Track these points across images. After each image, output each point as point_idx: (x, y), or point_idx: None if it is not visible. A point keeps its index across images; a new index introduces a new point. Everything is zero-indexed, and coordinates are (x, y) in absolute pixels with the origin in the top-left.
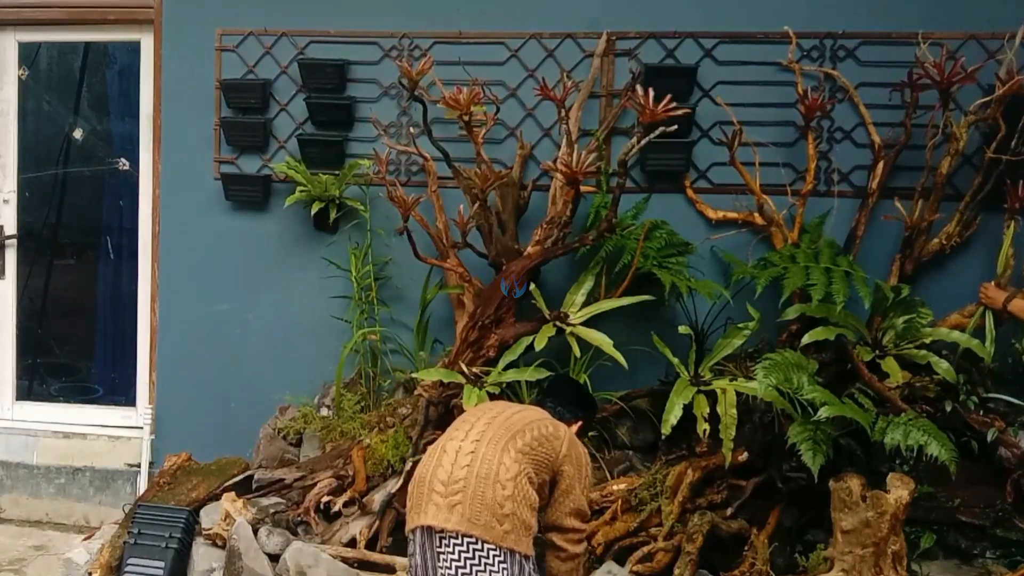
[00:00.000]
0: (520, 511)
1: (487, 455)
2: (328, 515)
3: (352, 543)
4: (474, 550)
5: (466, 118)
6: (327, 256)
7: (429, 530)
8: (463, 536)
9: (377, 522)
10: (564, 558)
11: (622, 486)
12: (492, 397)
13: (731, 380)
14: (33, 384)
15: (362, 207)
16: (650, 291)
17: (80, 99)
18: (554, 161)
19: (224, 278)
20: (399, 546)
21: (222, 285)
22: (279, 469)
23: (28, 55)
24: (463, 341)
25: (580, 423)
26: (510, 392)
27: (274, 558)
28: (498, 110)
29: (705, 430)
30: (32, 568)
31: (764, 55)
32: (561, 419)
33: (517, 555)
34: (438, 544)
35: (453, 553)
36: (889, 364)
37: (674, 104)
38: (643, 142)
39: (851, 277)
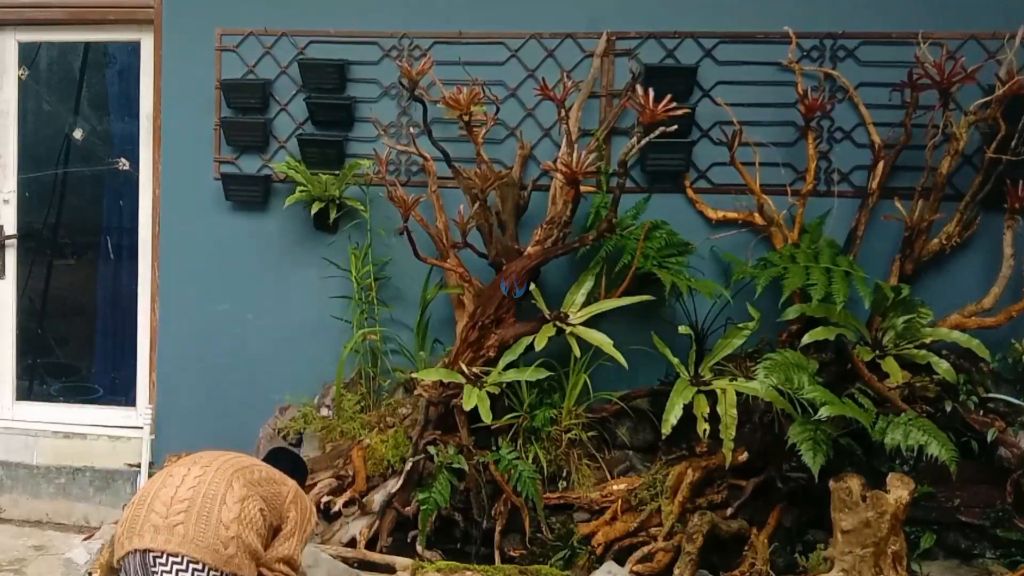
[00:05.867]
0: (245, 534)
1: (215, 479)
2: (328, 515)
3: (352, 543)
4: (195, 571)
5: (466, 118)
6: (327, 256)
7: (144, 554)
8: (185, 558)
9: (377, 522)
10: None
11: (622, 486)
12: (492, 397)
13: (731, 380)
14: (33, 384)
15: (362, 207)
16: (650, 291)
17: (80, 99)
18: (554, 161)
19: (224, 278)
20: (399, 546)
21: (222, 285)
22: None
23: (28, 55)
24: (463, 341)
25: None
26: (510, 392)
27: None
28: (498, 110)
29: (705, 430)
30: (32, 568)
31: (764, 55)
32: None
33: None
34: (153, 564)
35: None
36: (889, 364)
37: (674, 104)
38: (643, 142)
39: (851, 277)
